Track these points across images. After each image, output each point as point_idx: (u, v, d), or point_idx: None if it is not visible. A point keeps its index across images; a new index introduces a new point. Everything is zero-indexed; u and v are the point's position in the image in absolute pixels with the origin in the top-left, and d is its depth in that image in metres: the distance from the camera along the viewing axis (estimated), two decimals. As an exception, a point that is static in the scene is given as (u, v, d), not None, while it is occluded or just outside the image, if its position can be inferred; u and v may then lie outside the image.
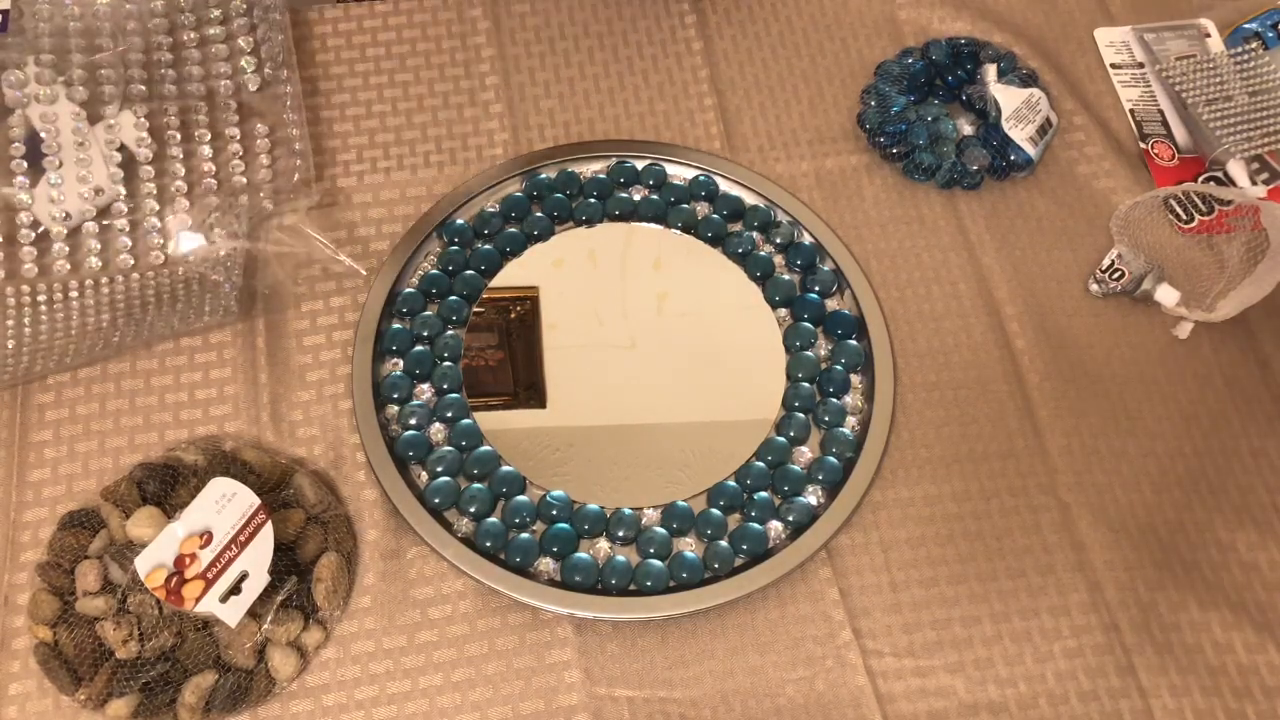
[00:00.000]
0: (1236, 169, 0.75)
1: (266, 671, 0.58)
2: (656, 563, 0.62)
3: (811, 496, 0.65)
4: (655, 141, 0.77)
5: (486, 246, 0.72)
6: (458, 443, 0.65)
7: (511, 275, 0.72)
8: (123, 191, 0.70)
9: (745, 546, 0.62)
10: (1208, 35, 0.83)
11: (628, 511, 0.64)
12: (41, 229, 0.68)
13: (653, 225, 0.74)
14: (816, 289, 0.71)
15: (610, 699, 0.59)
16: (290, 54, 0.73)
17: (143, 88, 0.72)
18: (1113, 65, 0.81)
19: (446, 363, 0.68)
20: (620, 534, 0.63)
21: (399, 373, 0.68)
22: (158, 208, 0.70)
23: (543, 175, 0.74)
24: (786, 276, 0.72)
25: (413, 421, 0.66)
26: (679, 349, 0.69)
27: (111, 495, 0.61)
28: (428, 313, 0.69)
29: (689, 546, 0.63)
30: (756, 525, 0.63)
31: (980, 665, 0.61)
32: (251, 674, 0.58)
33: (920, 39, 0.81)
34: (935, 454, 0.67)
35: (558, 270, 0.72)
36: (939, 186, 0.75)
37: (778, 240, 0.73)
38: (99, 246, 0.69)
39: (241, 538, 0.56)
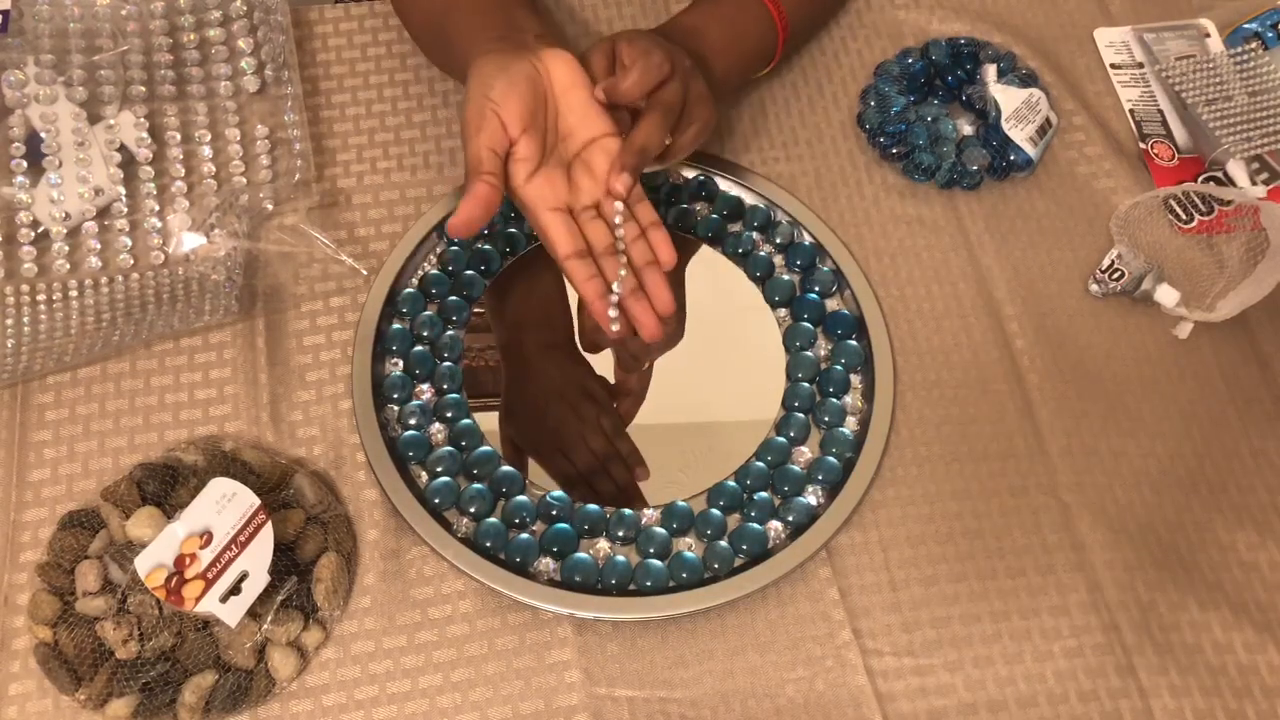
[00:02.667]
0: (1236, 169, 0.75)
1: (266, 671, 0.58)
2: (656, 563, 0.62)
3: (811, 496, 0.65)
4: (655, 141, 0.76)
5: (486, 246, 0.72)
6: (458, 443, 0.65)
7: (511, 275, 0.72)
8: (123, 191, 0.70)
9: (745, 546, 0.62)
10: (1208, 35, 0.83)
11: (628, 511, 0.64)
12: (41, 229, 0.69)
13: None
14: (816, 289, 0.71)
15: (610, 699, 0.59)
16: (291, 54, 0.73)
17: (143, 88, 0.72)
18: (1113, 65, 0.81)
19: (446, 363, 0.68)
20: (620, 534, 0.63)
21: (399, 373, 0.68)
22: (158, 208, 0.70)
23: (543, 175, 0.74)
24: (786, 276, 0.72)
25: (413, 421, 0.66)
26: (679, 349, 0.69)
27: (111, 495, 0.61)
28: (428, 313, 0.69)
29: (689, 546, 0.63)
30: (756, 525, 0.63)
31: (980, 664, 0.61)
32: (251, 674, 0.58)
33: (920, 39, 0.81)
34: (935, 454, 0.67)
35: (558, 270, 0.72)
36: (939, 186, 0.75)
37: (777, 240, 0.73)
38: (99, 246, 0.69)
39: (241, 538, 0.56)
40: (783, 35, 0.72)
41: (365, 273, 0.70)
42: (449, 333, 0.69)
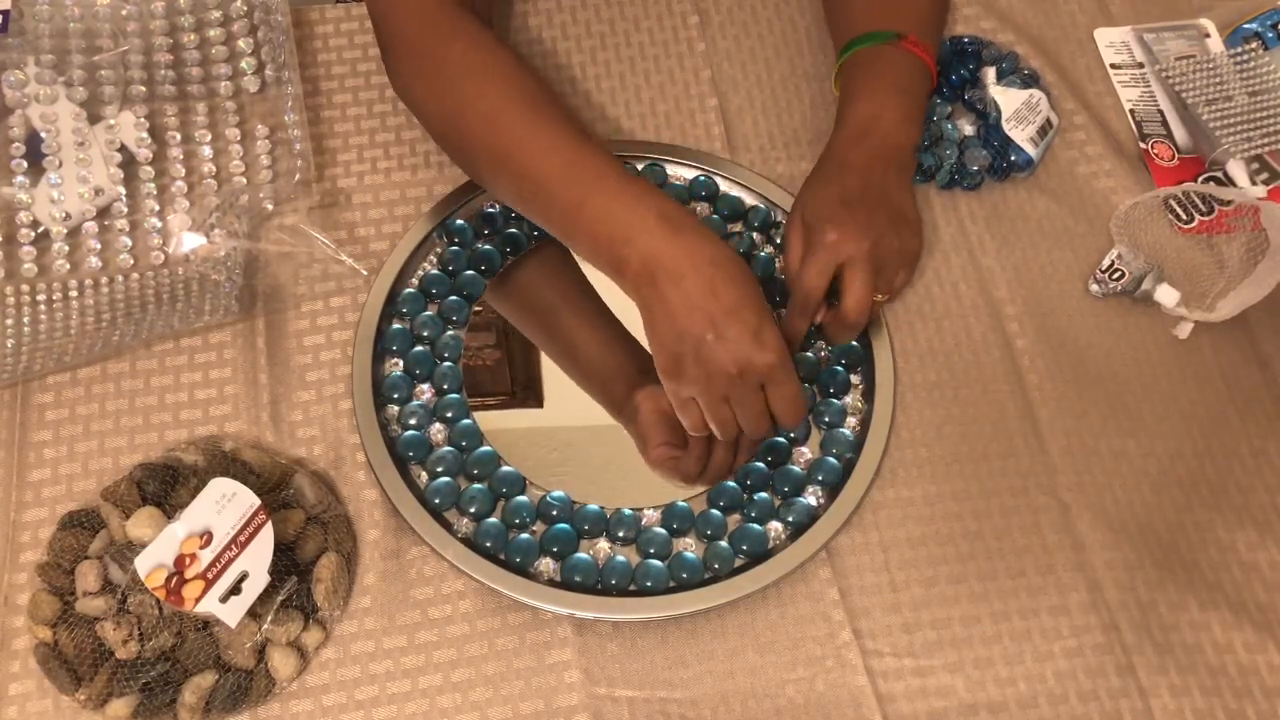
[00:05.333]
0: (1236, 169, 0.75)
1: (266, 671, 0.58)
2: (656, 563, 0.62)
3: (811, 497, 0.65)
4: (656, 142, 0.77)
5: (486, 246, 0.72)
6: (458, 443, 0.65)
7: (511, 275, 0.71)
8: (123, 191, 0.70)
9: (745, 547, 0.62)
10: (1208, 35, 0.83)
11: (628, 511, 0.64)
12: (41, 229, 0.69)
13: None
14: (816, 289, 0.71)
15: (610, 699, 0.59)
16: (292, 54, 0.73)
17: (143, 88, 0.72)
18: (1113, 65, 0.81)
19: (446, 363, 0.68)
20: (620, 534, 0.63)
21: (399, 373, 0.68)
22: (158, 208, 0.70)
23: (543, 175, 0.74)
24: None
25: (413, 421, 0.66)
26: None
27: (111, 495, 0.61)
28: (428, 313, 0.69)
29: (689, 547, 0.63)
30: (756, 525, 0.63)
31: (980, 665, 0.61)
32: (251, 674, 0.58)
33: (920, 39, 0.81)
34: (935, 454, 0.67)
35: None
36: (939, 187, 0.75)
37: (778, 240, 0.73)
38: (99, 246, 0.69)
39: (241, 538, 0.56)
40: (934, 74, 0.72)
41: (365, 273, 0.70)
42: (449, 333, 0.69)
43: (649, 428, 0.65)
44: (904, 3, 0.73)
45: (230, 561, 0.55)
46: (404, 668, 0.60)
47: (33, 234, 0.68)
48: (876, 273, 0.64)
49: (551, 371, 0.68)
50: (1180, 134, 0.78)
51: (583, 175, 0.60)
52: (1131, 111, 0.79)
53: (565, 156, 0.60)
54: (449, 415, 0.66)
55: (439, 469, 0.64)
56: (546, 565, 0.62)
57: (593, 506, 0.64)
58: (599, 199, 0.59)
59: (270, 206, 0.71)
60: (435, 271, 0.71)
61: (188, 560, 0.55)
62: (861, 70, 0.70)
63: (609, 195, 0.59)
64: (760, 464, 0.65)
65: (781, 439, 0.66)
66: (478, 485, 0.64)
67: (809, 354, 0.69)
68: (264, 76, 0.74)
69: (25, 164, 0.69)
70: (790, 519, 0.64)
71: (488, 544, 0.62)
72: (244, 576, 0.56)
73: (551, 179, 0.60)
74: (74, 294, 0.68)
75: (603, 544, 0.63)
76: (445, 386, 0.67)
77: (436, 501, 0.63)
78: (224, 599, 0.55)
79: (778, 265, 0.73)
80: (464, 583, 0.62)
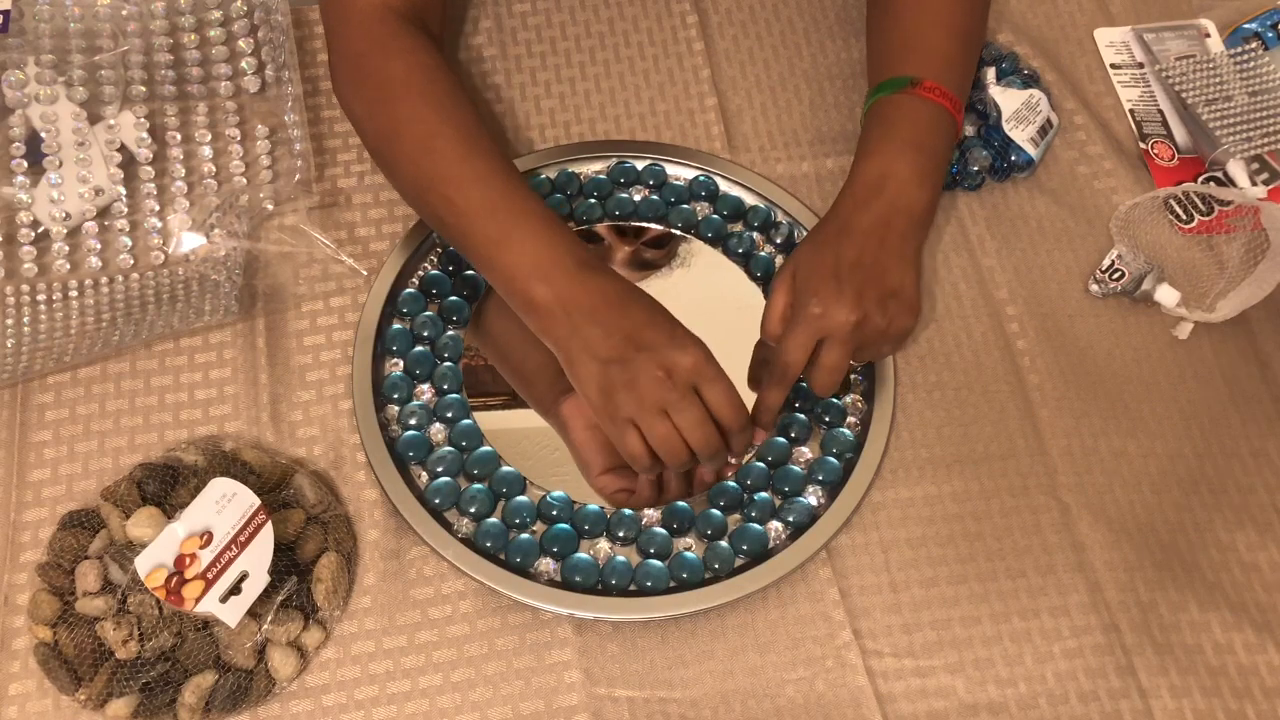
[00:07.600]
0: (1236, 169, 0.75)
1: (266, 671, 0.58)
2: (657, 563, 0.62)
3: (811, 496, 0.65)
4: (656, 142, 0.77)
5: (487, 246, 0.72)
6: (458, 443, 0.65)
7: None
8: (123, 191, 0.70)
9: (745, 546, 0.62)
10: (1208, 35, 0.83)
11: (628, 511, 0.64)
12: (41, 229, 0.69)
13: (653, 226, 0.74)
14: (817, 289, 0.71)
15: (610, 699, 0.59)
16: (292, 54, 0.73)
17: (143, 88, 0.72)
18: (1113, 65, 0.81)
19: (446, 363, 0.68)
20: (620, 534, 0.63)
21: (399, 373, 0.68)
22: (158, 208, 0.70)
23: (543, 175, 0.74)
24: (787, 277, 0.72)
25: (413, 422, 0.66)
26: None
27: (111, 495, 0.61)
28: (428, 313, 0.69)
29: (689, 546, 0.63)
30: (756, 525, 0.63)
31: (980, 665, 0.61)
32: (251, 674, 0.58)
33: (920, 39, 0.81)
34: (935, 454, 0.67)
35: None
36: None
37: (778, 240, 0.73)
38: (99, 246, 0.69)
39: (241, 538, 0.56)
40: (960, 120, 0.68)
41: (365, 273, 0.70)
42: (449, 333, 0.69)
43: (586, 450, 0.64)
44: (923, 40, 0.69)
45: (230, 561, 0.55)
46: (404, 668, 0.60)
47: (33, 234, 0.68)
48: (857, 350, 0.62)
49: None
50: (1180, 134, 0.78)
51: (506, 212, 0.60)
52: (1131, 111, 0.79)
53: (491, 192, 0.61)
54: (449, 415, 0.66)
55: (439, 469, 0.64)
56: (546, 565, 0.62)
57: (593, 506, 0.64)
58: (519, 236, 0.60)
59: (270, 206, 0.71)
60: (435, 271, 0.71)
61: (188, 560, 0.55)
62: (877, 122, 0.67)
63: (528, 234, 0.60)
64: (760, 464, 0.65)
65: (781, 438, 0.66)
66: (478, 485, 0.64)
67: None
68: (264, 76, 0.74)
69: (25, 164, 0.69)
70: (790, 519, 0.64)
71: (488, 544, 0.62)
72: (244, 576, 0.56)
73: (476, 212, 0.61)
74: (74, 294, 0.68)
75: (603, 544, 0.63)
76: (445, 386, 0.67)
77: (436, 501, 0.63)
78: (224, 599, 0.55)
79: (778, 265, 0.72)
80: (464, 583, 0.62)
